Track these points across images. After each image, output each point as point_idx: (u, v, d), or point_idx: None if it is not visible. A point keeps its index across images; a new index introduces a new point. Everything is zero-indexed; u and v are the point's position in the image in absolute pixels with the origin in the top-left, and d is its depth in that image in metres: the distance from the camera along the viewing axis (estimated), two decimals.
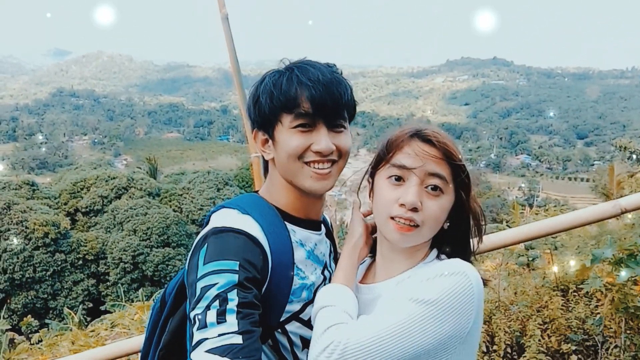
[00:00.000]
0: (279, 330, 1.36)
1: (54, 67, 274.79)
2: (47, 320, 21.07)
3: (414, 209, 1.24)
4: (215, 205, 1.42)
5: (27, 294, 32.24)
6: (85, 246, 34.39)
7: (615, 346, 3.10)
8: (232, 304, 1.12)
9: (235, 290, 1.14)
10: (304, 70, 1.34)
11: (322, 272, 1.49)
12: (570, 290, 3.87)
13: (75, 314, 8.63)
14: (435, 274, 1.20)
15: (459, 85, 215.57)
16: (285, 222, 1.40)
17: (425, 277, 1.21)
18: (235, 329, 1.09)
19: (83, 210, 38.70)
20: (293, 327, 1.38)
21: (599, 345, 3.20)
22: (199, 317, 1.12)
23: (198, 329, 1.10)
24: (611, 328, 3.19)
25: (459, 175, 1.28)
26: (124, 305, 7.36)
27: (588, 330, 3.41)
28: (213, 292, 1.13)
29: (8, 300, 31.91)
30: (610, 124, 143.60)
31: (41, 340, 6.96)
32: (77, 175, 43.49)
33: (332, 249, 1.61)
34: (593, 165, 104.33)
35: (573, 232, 4.86)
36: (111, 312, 6.92)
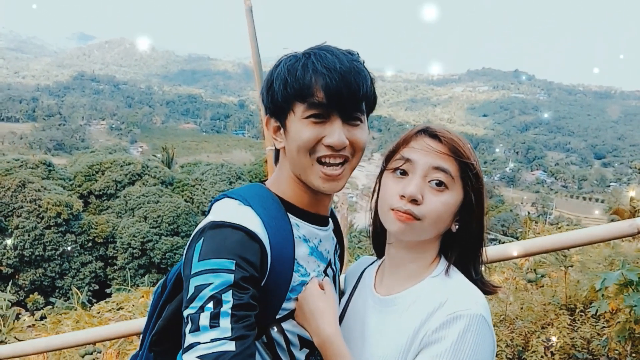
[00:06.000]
0: (275, 327, 1.31)
1: (77, 51, 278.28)
2: (52, 299, 21.30)
3: (414, 201, 1.21)
4: (219, 194, 1.38)
5: (36, 271, 32.69)
6: (96, 229, 34.78)
7: None
8: (227, 307, 1.09)
9: (231, 291, 1.10)
10: (321, 57, 1.25)
11: (325, 270, 1.43)
12: (577, 310, 3.83)
13: (82, 294, 8.72)
14: (448, 324, 1.16)
15: (479, 96, 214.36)
16: (290, 216, 1.34)
17: (436, 320, 1.18)
18: (229, 334, 1.06)
19: (96, 193, 39.16)
20: (290, 325, 1.32)
21: None
22: (192, 318, 1.09)
23: (191, 331, 1.08)
24: (617, 350, 3.15)
25: (467, 173, 1.24)
26: (129, 290, 7.41)
27: (593, 351, 3.37)
28: (207, 292, 1.10)
29: (16, 276, 32.34)
30: (630, 146, 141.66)
31: (45, 317, 7.04)
32: (92, 159, 43.93)
33: (337, 246, 1.55)
34: (609, 186, 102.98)
35: (585, 252, 4.80)
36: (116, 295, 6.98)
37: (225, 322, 1.07)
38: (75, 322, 5.86)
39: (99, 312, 6.07)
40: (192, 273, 1.14)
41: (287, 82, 1.26)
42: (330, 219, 1.50)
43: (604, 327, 3.47)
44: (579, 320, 3.71)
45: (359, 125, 1.30)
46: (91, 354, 4.53)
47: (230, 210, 1.26)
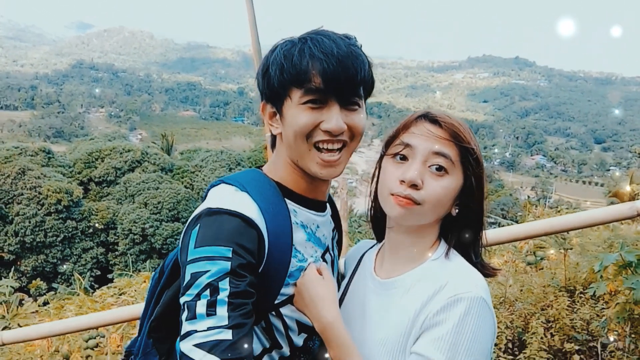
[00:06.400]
0: (273, 313, 1.30)
1: (75, 39, 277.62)
2: (54, 285, 21.43)
3: (414, 186, 1.21)
4: (216, 179, 1.36)
5: (37, 257, 32.86)
6: (96, 215, 34.86)
7: (619, 349, 3.09)
8: (223, 295, 1.08)
9: (228, 278, 1.10)
10: (318, 42, 1.22)
11: (323, 256, 1.41)
12: (577, 292, 3.85)
13: (84, 280, 8.77)
14: (447, 307, 1.16)
15: (479, 83, 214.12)
16: (288, 201, 1.33)
17: (436, 303, 1.18)
18: (225, 322, 1.06)
19: (96, 180, 39.17)
20: (288, 310, 1.31)
21: (601, 347, 3.19)
22: (189, 305, 1.09)
23: (187, 319, 1.08)
24: (616, 331, 3.18)
25: (467, 158, 1.24)
26: (131, 275, 7.44)
27: (592, 332, 3.40)
28: (204, 280, 1.09)
29: (18, 263, 32.49)
30: (630, 131, 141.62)
31: (48, 303, 7.07)
32: (92, 146, 43.86)
33: (335, 232, 1.54)
34: (609, 170, 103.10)
35: (585, 235, 4.82)
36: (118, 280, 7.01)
37: (222, 310, 1.07)
38: (78, 308, 5.89)
39: (100, 297, 6.11)
40: (188, 260, 1.14)
41: (284, 67, 1.23)
42: (328, 205, 1.49)
43: (603, 308, 3.49)
44: (578, 301, 3.72)
45: (356, 110, 1.29)
46: (94, 338, 4.58)
47: (226, 197, 1.25)
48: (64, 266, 32.61)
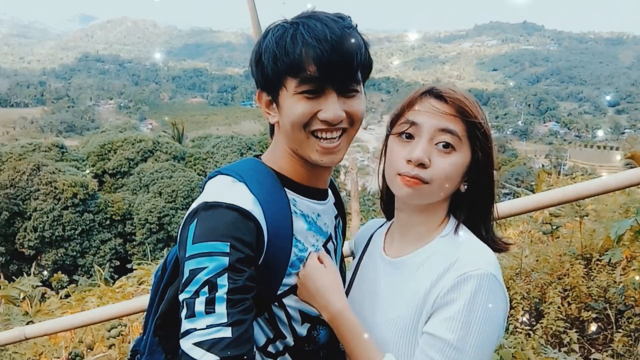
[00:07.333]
0: (276, 303, 1.28)
1: (80, 33, 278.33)
2: (75, 277, 21.82)
3: (421, 165, 1.19)
4: (213, 171, 1.33)
5: (57, 251, 33.54)
6: (113, 207, 35.36)
7: (636, 314, 3.07)
8: (222, 291, 1.07)
9: (226, 274, 1.08)
10: (310, 27, 1.17)
11: (325, 245, 1.39)
12: (594, 259, 3.82)
13: (103, 271, 8.92)
14: (457, 285, 1.15)
15: (487, 51, 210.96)
16: (287, 190, 1.30)
17: (446, 281, 1.17)
18: (224, 320, 1.05)
19: (110, 172, 39.59)
20: (291, 300, 1.29)
21: (618, 314, 3.18)
22: (187, 303, 1.08)
23: (186, 317, 1.07)
24: (633, 297, 3.16)
25: (474, 132, 1.21)
26: (149, 264, 7.55)
27: (610, 299, 3.38)
28: (202, 277, 1.08)
29: (39, 257, 33.20)
30: None
31: (69, 295, 7.22)
32: (104, 139, 44.19)
33: (339, 220, 1.51)
34: (624, 133, 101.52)
35: (600, 201, 4.76)
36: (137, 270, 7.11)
37: (221, 308, 1.06)
38: (99, 298, 6.01)
39: (120, 287, 6.22)
40: (186, 256, 1.12)
41: (277, 56, 1.18)
42: (330, 192, 1.46)
43: (620, 275, 3.46)
44: (595, 269, 3.70)
45: (355, 95, 1.24)
46: (117, 327, 4.68)
47: (223, 189, 1.23)
48: (84, 258, 33.19)
